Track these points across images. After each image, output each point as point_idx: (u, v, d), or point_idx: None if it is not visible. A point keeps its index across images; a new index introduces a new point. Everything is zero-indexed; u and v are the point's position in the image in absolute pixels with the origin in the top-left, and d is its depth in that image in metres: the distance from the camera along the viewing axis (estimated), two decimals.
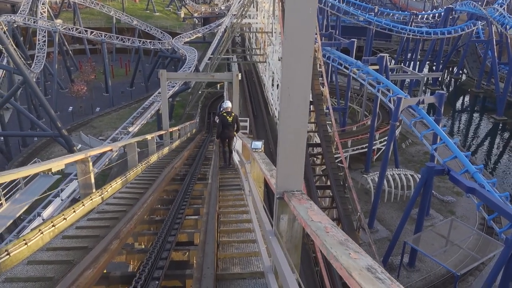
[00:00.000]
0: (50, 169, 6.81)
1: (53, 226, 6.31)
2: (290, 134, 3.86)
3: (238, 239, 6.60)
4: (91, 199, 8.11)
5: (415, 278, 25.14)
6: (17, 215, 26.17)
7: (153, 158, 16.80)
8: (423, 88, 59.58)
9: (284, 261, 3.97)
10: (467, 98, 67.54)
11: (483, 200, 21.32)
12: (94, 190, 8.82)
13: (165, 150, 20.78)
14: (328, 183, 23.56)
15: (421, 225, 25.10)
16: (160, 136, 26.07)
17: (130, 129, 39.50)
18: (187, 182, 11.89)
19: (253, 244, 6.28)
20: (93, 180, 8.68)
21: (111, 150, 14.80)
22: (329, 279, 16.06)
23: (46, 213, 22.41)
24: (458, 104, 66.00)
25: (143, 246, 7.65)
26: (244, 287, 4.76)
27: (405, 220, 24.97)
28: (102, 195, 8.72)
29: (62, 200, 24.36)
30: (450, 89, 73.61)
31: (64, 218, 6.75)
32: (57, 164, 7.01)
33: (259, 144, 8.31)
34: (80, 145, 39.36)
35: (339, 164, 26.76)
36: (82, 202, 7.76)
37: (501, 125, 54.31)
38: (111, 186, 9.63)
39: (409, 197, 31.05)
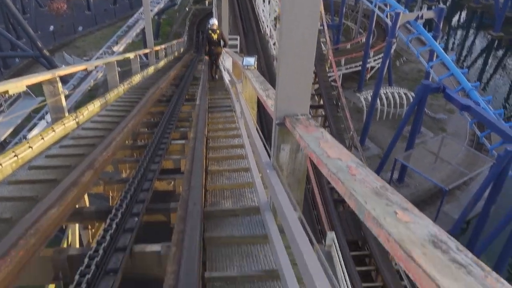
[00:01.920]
0: (6, 91, 5.85)
1: (15, 156, 5.50)
2: (295, 41, 2.95)
3: (229, 168, 5.90)
4: (63, 124, 7.24)
5: (404, 193, 25.50)
6: (2, 139, 25.41)
7: (137, 78, 15.67)
8: (420, 4, 56.86)
9: (285, 198, 3.27)
10: (464, 14, 64.94)
11: (477, 118, 21.01)
12: (66, 114, 7.92)
13: (150, 69, 19.54)
14: (321, 102, 22.81)
15: (412, 143, 24.98)
16: (146, 56, 24.63)
17: (115, 49, 37.47)
18: (173, 104, 11.01)
19: (246, 174, 5.60)
20: (64, 103, 7.74)
21: (85, 69, 13.57)
22: (328, 222, 15.81)
23: (31, 135, 21.68)
24: (455, 20, 63.55)
25: (124, 176, 7.00)
26: (237, 226, 4.11)
27: (397, 138, 24.78)
28: (77, 119, 7.84)
29: (47, 122, 23.43)
30: (447, 4, 70.51)
31: (30, 147, 5.93)
32: (15, 85, 6.02)
33: (251, 60, 7.33)
34: (63, 66, 37.58)
35: (332, 83, 25.84)
36: (52, 128, 6.90)
37: (497, 41, 52.74)
38: (87, 109, 8.72)
39: (401, 115, 30.72)
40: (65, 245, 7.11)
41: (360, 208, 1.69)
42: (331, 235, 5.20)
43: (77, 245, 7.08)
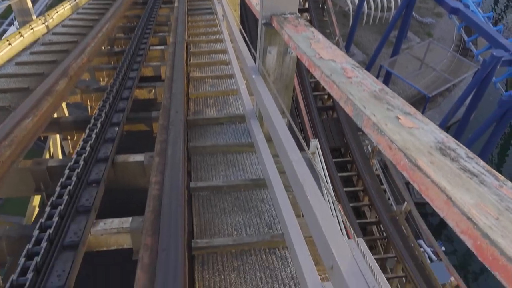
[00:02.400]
0: None
1: None
2: None
3: (212, 74, 5.63)
4: (31, 28, 6.71)
5: None
6: None
7: None
8: None
9: (272, 104, 3.12)
10: None
11: (465, 21, 20.45)
12: (34, 17, 7.32)
13: None
14: (306, 5, 21.78)
15: (398, 49, 24.53)
16: None
17: None
18: (150, 6, 10.29)
19: (230, 80, 5.36)
20: (30, 4, 7.10)
21: None
22: (312, 129, 15.76)
23: None
24: None
25: (102, 84, 6.70)
26: (222, 134, 3.98)
27: (383, 43, 24.24)
28: (46, 23, 7.27)
29: (17, 28, 22.00)
30: None
31: None
32: None
33: None
34: None
35: None
36: (20, 32, 6.38)
37: None
38: (57, 12, 8.06)
39: (388, 19, 29.78)
40: (47, 157, 7.01)
41: (358, 113, 1.54)
42: (314, 143, 5.19)
43: (60, 157, 6.98)
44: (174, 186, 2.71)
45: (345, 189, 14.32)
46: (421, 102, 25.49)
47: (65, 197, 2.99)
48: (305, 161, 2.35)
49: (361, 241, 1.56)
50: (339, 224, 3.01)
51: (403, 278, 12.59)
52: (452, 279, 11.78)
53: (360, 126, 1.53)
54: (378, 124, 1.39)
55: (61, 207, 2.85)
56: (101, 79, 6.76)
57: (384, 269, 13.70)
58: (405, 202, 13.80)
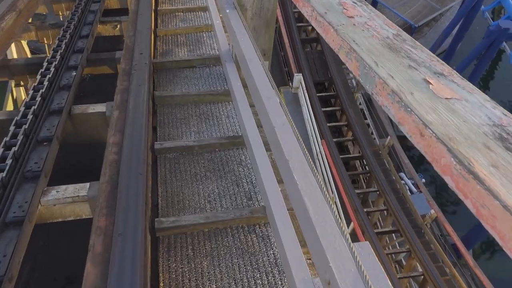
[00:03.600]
0: None
1: None
2: None
3: (183, 7, 4.94)
4: None
5: None
6: None
7: None
8: None
9: (249, 46, 2.62)
10: None
11: None
12: None
13: None
14: None
15: None
16: None
17: None
18: None
19: (204, 14, 4.71)
20: None
21: None
22: (296, 63, 15.01)
23: None
24: None
25: (60, 19, 5.95)
26: (194, 80, 3.46)
27: None
28: None
29: None
30: None
31: None
32: None
33: None
34: None
35: None
36: None
37: None
38: None
39: None
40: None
41: (367, 74, 1.09)
42: (298, 77, 4.72)
43: (11, 107, 6.36)
44: (135, 148, 2.26)
45: (328, 124, 14.08)
46: (407, 31, 24.76)
47: (9, 161, 2.53)
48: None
49: (366, 246, 1.18)
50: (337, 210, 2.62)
51: (384, 212, 12.77)
52: (432, 211, 11.97)
53: (369, 92, 1.09)
54: (399, 92, 0.95)
55: (3, 174, 2.41)
56: (60, 13, 6.00)
57: (366, 203, 13.88)
58: (388, 137, 13.69)
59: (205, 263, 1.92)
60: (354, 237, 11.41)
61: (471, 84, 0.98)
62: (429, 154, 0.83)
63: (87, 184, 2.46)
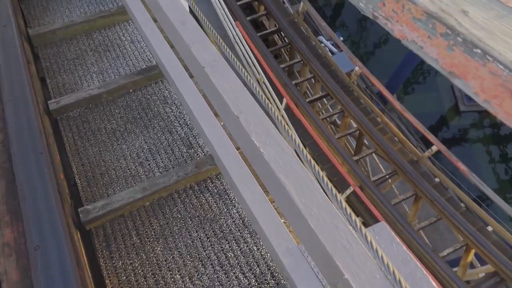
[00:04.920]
0: None
1: None
2: None
3: None
4: None
5: None
6: None
7: None
8: None
9: None
10: None
11: None
12: None
13: None
14: None
15: None
16: None
17: None
18: None
19: None
20: None
21: None
22: None
23: None
24: None
25: None
26: (75, 0, 2.70)
27: None
28: None
29: None
30: None
31: None
32: None
33: None
34: None
35: None
36: None
37: None
38: None
39: None
40: None
41: None
42: None
43: None
44: (24, 118, 1.71)
45: (238, 2, 13.26)
46: None
47: None
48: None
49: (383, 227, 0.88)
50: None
51: (312, 79, 12.87)
52: (357, 68, 12.21)
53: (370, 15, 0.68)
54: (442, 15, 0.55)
55: None
56: None
57: (292, 74, 13.87)
58: (301, 3, 13.19)
59: (158, 248, 1.56)
60: (289, 111, 11.55)
61: None
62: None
63: None
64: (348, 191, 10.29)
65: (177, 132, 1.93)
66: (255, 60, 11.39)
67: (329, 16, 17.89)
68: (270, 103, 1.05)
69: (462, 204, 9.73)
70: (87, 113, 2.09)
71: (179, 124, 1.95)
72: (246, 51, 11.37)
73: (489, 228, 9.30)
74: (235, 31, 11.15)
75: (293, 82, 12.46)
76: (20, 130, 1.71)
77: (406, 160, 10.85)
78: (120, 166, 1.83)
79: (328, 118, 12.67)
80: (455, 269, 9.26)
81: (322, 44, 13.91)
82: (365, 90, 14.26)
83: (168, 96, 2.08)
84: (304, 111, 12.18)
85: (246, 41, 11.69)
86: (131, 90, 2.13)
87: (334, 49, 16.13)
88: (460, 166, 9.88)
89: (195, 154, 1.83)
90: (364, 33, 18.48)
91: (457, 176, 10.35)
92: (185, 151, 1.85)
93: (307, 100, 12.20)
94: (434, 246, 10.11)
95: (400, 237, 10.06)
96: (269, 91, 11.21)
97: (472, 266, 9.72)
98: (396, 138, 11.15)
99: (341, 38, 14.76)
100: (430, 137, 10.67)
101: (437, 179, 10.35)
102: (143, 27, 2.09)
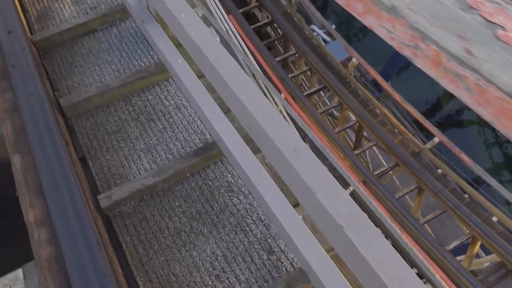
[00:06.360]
0: None
1: None
2: None
3: None
4: None
5: None
6: None
7: None
8: None
9: None
10: None
11: None
12: None
13: None
14: None
15: None
16: None
17: None
18: None
19: None
20: None
21: None
22: None
23: None
24: None
25: None
26: (104, 54, 2.42)
27: None
28: None
29: None
30: None
31: None
32: None
33: None
34: None
35: None
36: None
37: None
38: None
39: None
40: None
41: None
42: None
43: None
44: (75, 217, 1.50)
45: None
46: None
47: None
48: None
49: None
50: None
51: (308, 72, 12.65)
52: (354, 59, 12.01)
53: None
54: None
55: None
56: None
57: (287, 67, 13.64)
58: None
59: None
60: (287, 106, 11.35)
61: None
62: None
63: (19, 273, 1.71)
64: (351, 188, 10.21)
65: (252, 232, 1.69)
66: (250, 55, 11.13)
67: (319, 4, 17.62)
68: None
69: (466, 195, 9.72)
70: (142, 207, 1.82)
71: (252, 220, 1.72)
72: (241, 45, 11.08)
73: (494, 219, 9.32)
74: (229, 25, 10.84)
75: (290, 76, 12.23)
76: (73, 244, 1.49)
77: (408, 152, 10.78)
78: (195, 282, 1.58)
79: (325, 111, 12.50)
80: (460, 257, 9.29)
81: (315, 33, 13.68)
82: (360, 78, 14.12)
83: (233, 181, 1.84)
84: (302, 105, 12.00)
85: (240, 34, 11.39)
86: (188, 175, 1.89)
87: (327, 38, 15.88)
88: (463, 157, 9.83)
89: (279, 262, 1.59)
90: (354, 19, 18.23)
91: (456, 164, 10.32)
92: (266, 257, 1.62)
93: (305, 93, 11.99)
94: (440, 239, 10.13)
95: (406, 231, 10.08)
96: (266, 87, 10.97)
97: (477, 255, 9.77)
98: (396, 130, 11.05)
99: (333, 26, 14.51)
100: (431, 128, 10.58)
101: (439, 170, 10.31)
102: (197, 99, 1.86)
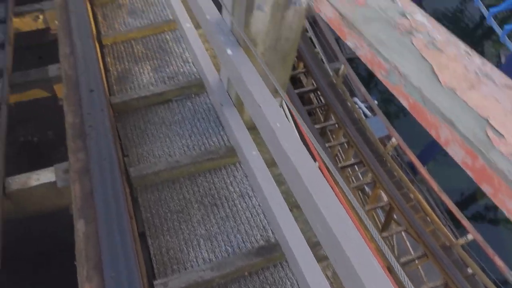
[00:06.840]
0: None
1: None
2: None
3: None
4: None
5: None
6: None
7: None
8: None
9: (261, 84, 1.77)
10: None
11: None
12: None
13: None
14: None
15: None
16: None
17: None
18: None
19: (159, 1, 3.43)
20: None
21: None
22: None
23: None
24: None
25: None
26: (176, 127, 2.47)
27: None
28: None
29: None
30: None
31: None
32: None
33: None
34: None
35: None
36: None
37: None
38: None
39: None
40: None
41: None
42: None
43: None
44: None
45: None
46: None
47: None
48: None
49: None
50: None
51: (345, 144, 12.65)
52: (393, 139, 11.97)
53: None
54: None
55: None
56: None
57: (324, 135, 13.70)
58: (342, 65, 13.15)
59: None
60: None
61: None
62: None
63: None
64: None
65: None
66: (291, 119, 11.20)
67: (366, 78, 17.87)
68: None
69: None
70: None
71: None
72: (283, 107, 11.22)
73: None
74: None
75: (327, 145, 12.25)
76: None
77: (438, 244, 10.38)
78: None
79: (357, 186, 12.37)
80: None
81: (356, 106, 13.83)
82: (395, 157, 13.97)
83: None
84: (337, 177, 11.86)
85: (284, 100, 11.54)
86: (246, 273, 1.83)
87: (368, 112, 15.98)
88: (497, 261, 9.37)
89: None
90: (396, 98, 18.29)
91: (486, 264, 9.81)
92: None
93: (340, 165, 11.92)
94: None
95: None
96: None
97: None
98: (428, 218, 10.72)
99: (376, 102, 14.59)
100: (466, 223, 10.21)
101: (469, 270, 9.83)
102: (264, 191, 1.84)
